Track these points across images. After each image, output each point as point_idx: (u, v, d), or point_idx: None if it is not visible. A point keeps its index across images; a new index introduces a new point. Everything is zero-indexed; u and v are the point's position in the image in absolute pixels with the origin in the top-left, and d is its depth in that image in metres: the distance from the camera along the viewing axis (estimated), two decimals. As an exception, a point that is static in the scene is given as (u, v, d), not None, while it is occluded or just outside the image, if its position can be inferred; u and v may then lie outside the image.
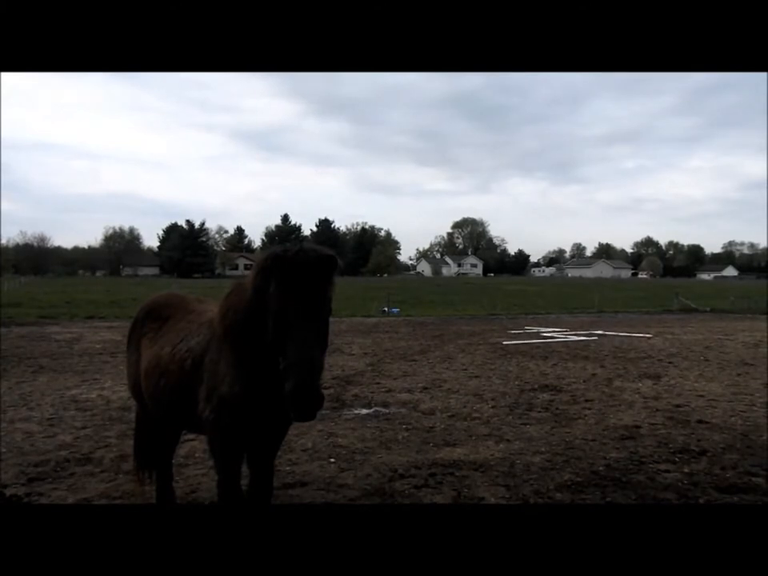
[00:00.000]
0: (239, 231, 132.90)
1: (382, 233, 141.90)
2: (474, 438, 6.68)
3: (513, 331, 19.04)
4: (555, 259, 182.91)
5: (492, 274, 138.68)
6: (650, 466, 5.73)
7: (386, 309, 27.46)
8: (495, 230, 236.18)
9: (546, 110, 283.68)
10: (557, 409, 8.13)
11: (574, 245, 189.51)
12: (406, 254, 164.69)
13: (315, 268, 2.76)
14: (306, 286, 2.71)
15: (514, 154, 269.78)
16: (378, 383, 9.89)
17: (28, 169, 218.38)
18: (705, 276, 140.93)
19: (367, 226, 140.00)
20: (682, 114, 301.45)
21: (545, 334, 18.04)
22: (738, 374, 10.96)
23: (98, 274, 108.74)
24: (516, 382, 10.08)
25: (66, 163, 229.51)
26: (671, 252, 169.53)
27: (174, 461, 4.77)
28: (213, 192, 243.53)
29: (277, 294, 2.75)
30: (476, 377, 10.60)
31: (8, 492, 4.80)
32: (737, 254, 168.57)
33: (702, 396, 8.99)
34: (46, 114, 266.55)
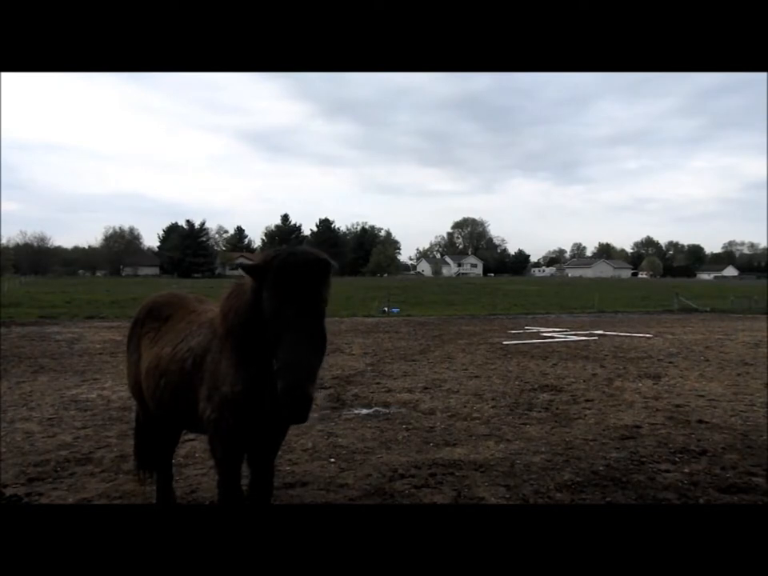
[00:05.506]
0: (239, 231, 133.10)
1: (382, 233, 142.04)
2: (474, 437, 6.68)
3: (513, 331, 19.04)
4: (555, 259, 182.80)
5: (492, 274, 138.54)
6: (650, 465, 5.73)
7: (386, 308, 27.42)
8: (497, 230, 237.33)
9: (550, 112, 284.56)
10: (557, 409, 8.13)
11: (574, 245, 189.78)
12: (406, 254, 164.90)
13: (307, 271, 2.78)
14: (297, 289, 2.73)
15: (517, 155, 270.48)
16: (378, 383, 9.90)
17: (33, 169, 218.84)
18: (705, 276, 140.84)
19: (367, 226, 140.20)
20: (685, 116, 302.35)
21: (545, 334, 18.04)
22: (738, 374, 10.96)
23: (98, 273, 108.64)
24: (516, 382, 10.08)
25: (71, 163, 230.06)
26: (671, 252, 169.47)
27: (174, 461, 4.77)
28: (218, 192, 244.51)
29: (269, 296, 2.79)
30: (476, 377, 10.60)
31: (8, 492, 4.80)
32: (737, 254, 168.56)
33: (702, 396, 8.99)
34: (52, 114, 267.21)
